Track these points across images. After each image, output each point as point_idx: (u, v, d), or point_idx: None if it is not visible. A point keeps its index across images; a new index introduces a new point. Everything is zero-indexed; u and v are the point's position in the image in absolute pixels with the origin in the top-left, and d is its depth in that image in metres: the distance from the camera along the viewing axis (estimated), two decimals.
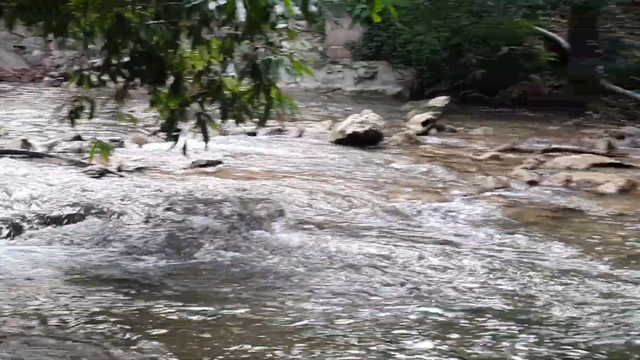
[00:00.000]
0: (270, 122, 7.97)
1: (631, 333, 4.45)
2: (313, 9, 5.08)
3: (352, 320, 4.51)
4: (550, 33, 17.67)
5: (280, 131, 11.66)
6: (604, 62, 16.04)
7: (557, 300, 4.99)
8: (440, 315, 4.66)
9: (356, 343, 4.15)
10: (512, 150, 11.07)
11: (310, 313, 4.65)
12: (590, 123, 14.43)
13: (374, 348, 4.10)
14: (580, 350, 4.17)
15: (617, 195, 8.36)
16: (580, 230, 6.91)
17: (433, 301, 4.94)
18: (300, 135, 11.67)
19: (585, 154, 10.58)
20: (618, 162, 10.18)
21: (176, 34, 5.76)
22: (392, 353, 4.04)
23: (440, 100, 14.66)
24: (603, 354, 4.14)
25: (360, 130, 11.08)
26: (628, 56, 16.19)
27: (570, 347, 4.20)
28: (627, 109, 15.70)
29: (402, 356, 4.02)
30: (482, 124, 13.50)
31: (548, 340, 4.27)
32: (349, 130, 11.09)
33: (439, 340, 4.23)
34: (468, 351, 4.11)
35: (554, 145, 11.36)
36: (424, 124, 12.71)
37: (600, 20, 16.40)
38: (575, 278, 5.47)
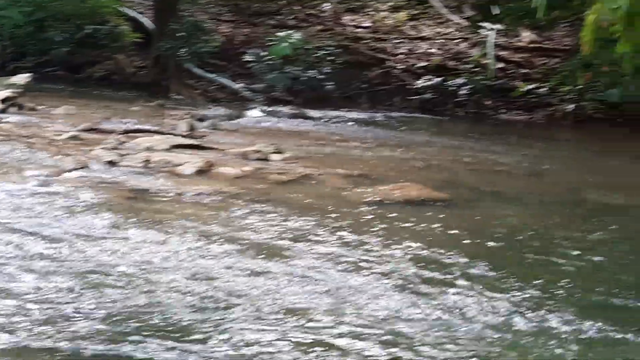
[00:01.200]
0: None
1: None
2: None
3: None
4: (134, 13, 17.76)
5: None
6: (186, 45, 16.40)
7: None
8: None
9: None
10: (93, 130, 10.94)
11: None
12: (174, 105, 14.70)
13: None
14: None
15: (194, 176, 8.58)
16: (156, 210, 7.03)
17: None
18: None
19: (166, 135, 10.75)
20: (198, 143, 10.47)
21: None
22: None
23: (22, 78, 14.14)
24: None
25: None
26: (209, 40, 16.69)
27: None
28: (208, 92, 16.23)
29: None
30: (65, 103, 13.23)
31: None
32: None
33: None
34: None
35: (136, 126, 11.42)
36: (3, 101, 12.21)
37: (183, 4, 16.75)
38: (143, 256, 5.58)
